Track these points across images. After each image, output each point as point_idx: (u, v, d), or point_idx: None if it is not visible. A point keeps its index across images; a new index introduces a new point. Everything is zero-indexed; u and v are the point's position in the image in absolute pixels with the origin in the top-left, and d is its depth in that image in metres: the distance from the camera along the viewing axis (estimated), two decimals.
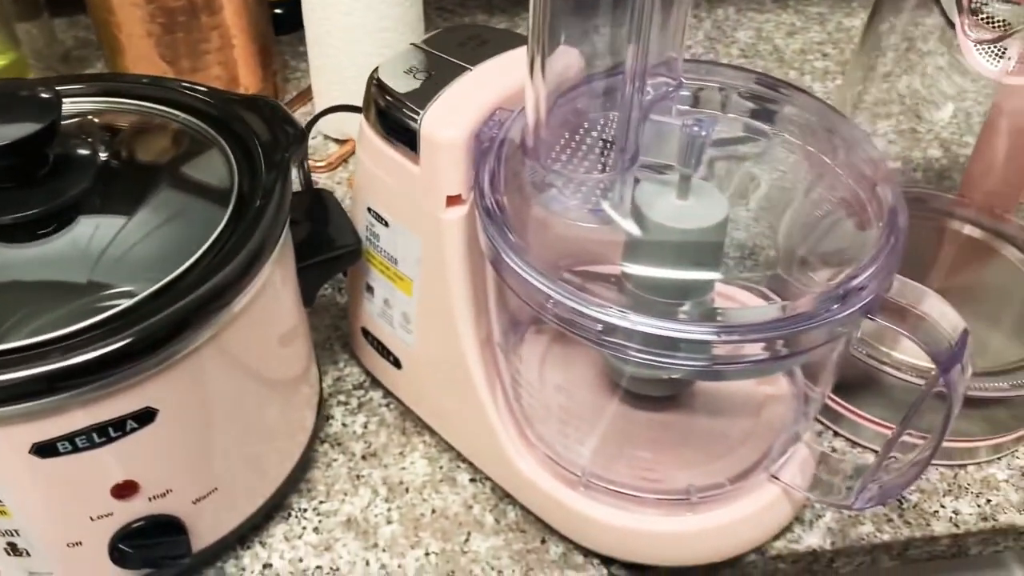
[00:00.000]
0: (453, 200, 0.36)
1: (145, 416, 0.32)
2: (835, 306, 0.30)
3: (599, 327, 0.29)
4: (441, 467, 0.43)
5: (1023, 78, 0.31)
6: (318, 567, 0.39)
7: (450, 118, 0.36)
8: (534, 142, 0.32)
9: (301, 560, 0.40)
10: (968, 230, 0.49)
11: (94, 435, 0.31)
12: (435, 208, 0.36)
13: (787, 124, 0.37)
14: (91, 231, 0.34)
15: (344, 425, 0.45)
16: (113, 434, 0.31)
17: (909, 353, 0.42)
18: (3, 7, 0.62)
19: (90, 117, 0.38)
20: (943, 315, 0.31)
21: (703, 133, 0.32)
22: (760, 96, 0.37)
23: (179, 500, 0.35)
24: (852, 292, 0.30)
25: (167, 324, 0.30)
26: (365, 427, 0.45)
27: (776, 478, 0.38)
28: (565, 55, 0.31)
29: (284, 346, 0.39)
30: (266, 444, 0.39)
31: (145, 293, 0.31)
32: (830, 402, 0.44)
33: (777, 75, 0.71)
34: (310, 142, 0.61)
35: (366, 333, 0.44)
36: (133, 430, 0.32)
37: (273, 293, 0.36)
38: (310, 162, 0.59)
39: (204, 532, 0.37)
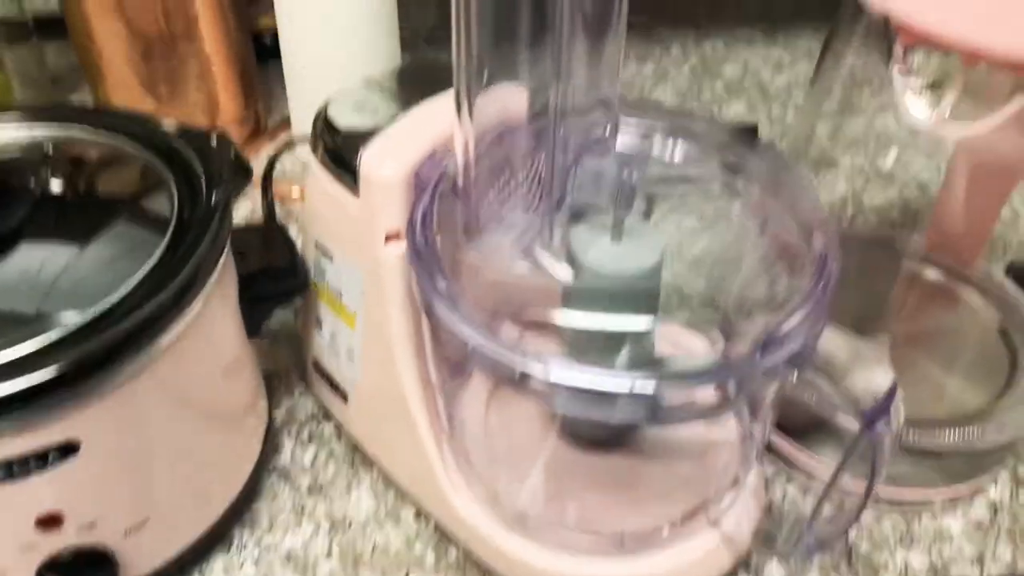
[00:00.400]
0: (392, 237, 0.36)
1: (68, 448, 0.32)
2: (757, 357, 0.29)
3: (516, 375, 0.29)
4: (386, 503, 0.43)
5: (955, 128, 0.31)
6: None
7: (390, 155, 0.36)
8: (464, 183, 0.32)
9: None
10: (931, 274, 0.48)
11: (14, 467, 0.31)
12: (374, 244, 0.36)
13: (730, 168, 0.37)
14: (25, 261, 0.34)
15: (293, 457, 0.45)
16: (34, 466, 0.31)
17: None
18: None
19: (35, 145, 0.39)
20: (872, 367, 0.31)
21: (634, 176, 0.32)
22: (704, 138, 0.37)
23: (108, 531, 0.35)
24: (774, 343, 0.30)
25: (86, 359, 0.30)
26: (314, 459, 0.45)
27: (718, 524, 0.38)
28: (500, 94, 0.31)
29: (225, 378, 0.39)
30: (204, 476, 0.39)
31: (64, 328, 0.31)
32: (786, 445, 0.43)
33: (760, 110, 0.71)
34: (288, 169, 0.61)
35: (316, 365, 0.44)
36: (55, 462, 0.32)
37: (209, 326, 0.36)
38: (285, 190, 0.60)
39: (137, 563, 0.37)
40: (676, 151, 0.37)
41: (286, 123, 0.68)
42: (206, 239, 0.34)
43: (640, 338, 0.36)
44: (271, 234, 0.42)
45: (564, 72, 0.29)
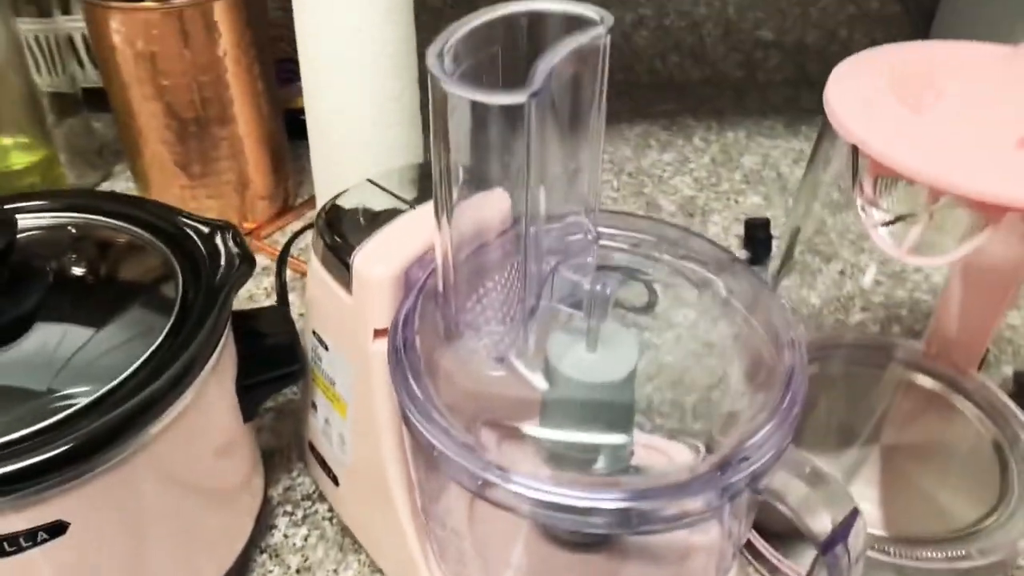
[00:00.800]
0: (381, 333, 0.37)
1: (57, 528, 0.33)
2: (717, 475, 0.30)
3: (478, 483, 0.30)
4: None
5: (923, 258, 0.31)
6: None
7: (383, 255, 0.37)
8: (443, 288, 0.33)
9: None
10: (928, 383, 0.48)
11: (4, 544, 0.32)
12: (364, 340, 0.38)
13: (708, 282, 0.38)
14: (37, 343, 0.36)
15: (286, 536, 0.46)
16: (24, 544, 0.33)
17: None
18: (40, 105, 0.67)
19: (51, 230, 0.41)
20: (833, 491, 0.31)
21: (607, 291, 0.33)
22: (685, 253, 0.38)
23: None
24: (735, 463, 0.30)
25: (77, 446, 0.32)
26: (306, 540, 0.46)
27: None
28: (481, 201, 0.32)
29: (218, 459, 0.40)
30: (194, 554, 0.40)
31: (57, 414, 0.32)
32: (765, 550, 0.43)
33: (776, 203, 0.72)
34: (308, 243, 0.63)
35: (312, 447, 0.46)
36: (44, 541, 0.33)
37: (204, 411, 0.38)
38: (300, 265, 0.62)
39: None
40: (661, 263, 0.38)
41: (310, 200, 0.71)
42: (203, 330, 0.36)
43: (616, 447, 0.36)
44: (276, 317, 0.44)
45: (534, 180, 0.30)
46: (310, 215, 0.69)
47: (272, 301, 0.60)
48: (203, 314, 0.37)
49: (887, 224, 0.31)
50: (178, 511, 0.38)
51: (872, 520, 0.42)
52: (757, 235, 0.66)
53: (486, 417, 0.36)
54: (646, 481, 0.31)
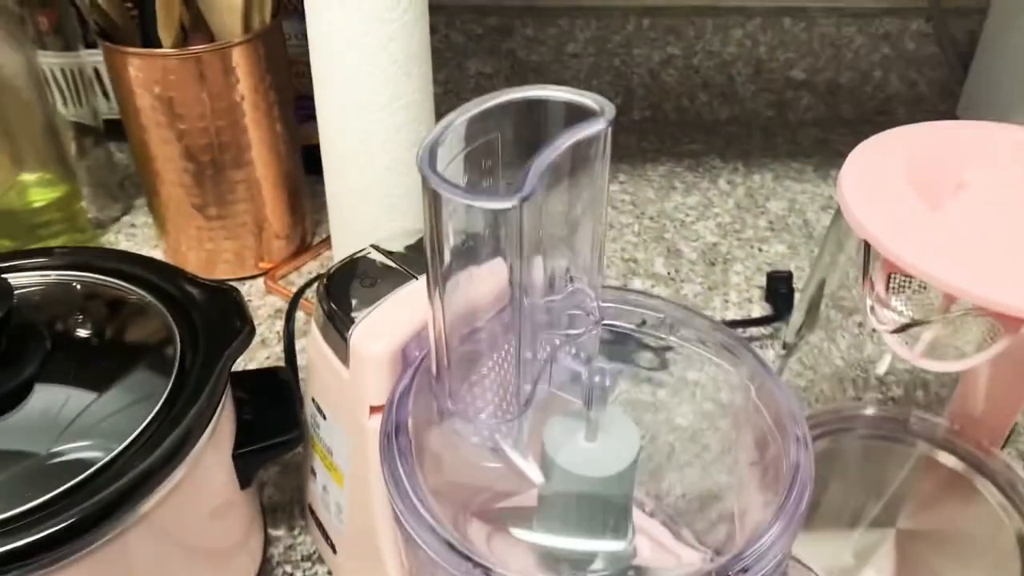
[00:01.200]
0: (376, 409, 0.37)
1: None
2: None
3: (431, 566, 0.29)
4: None
5: (936, 363, 0.30)
6: None
7: (380, 330, 0.37)
8: (437, 371, 0.33)
9: None
10: (950, 461, 0.46)
11: None
12: (360, 415, 0.37)
13: (715, 367, 0.36)
14: (35, 409, 0.36)
15: None
16: None
17: None
18: (63, 139, 0.68)
19: (50, 290, 0.41)
20: None
21: (606, 383, 0.32)
22: (691, 335, 0.37)
23: None
24: (731, 574, 0.29)
25: (66, 528, 0.31)
26: None
27: None
28: (476, 279, 0.31)
29: (212, 525, 0.40)
30: None
31: (46, 496, 0.32)
32: None
33: (802, 252, 0.70)
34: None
35: (311, 510, 0.45)
36: None
37: (197, 482, 0.37)
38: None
39: None
40: (668, 343, 0.37)
41: (327, 240, 0.70)
42: (199, 402, 0.36)
43: (613, 547, 0.35)
44: (277, 381, 0.44)
45: (523, 282, 0.29)
46: (327, 254, 0.69)
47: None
48: (199, 384, 0.37)
49: (900, 330, 0.30)
50: None
51: None
52: (779, 288, 0.64)
53: (478, 505, 0.35)
54: None
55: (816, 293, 0.41)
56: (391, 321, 0.37)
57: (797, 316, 0.43)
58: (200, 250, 0.65)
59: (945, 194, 0.31)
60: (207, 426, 0.37)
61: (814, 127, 0.88)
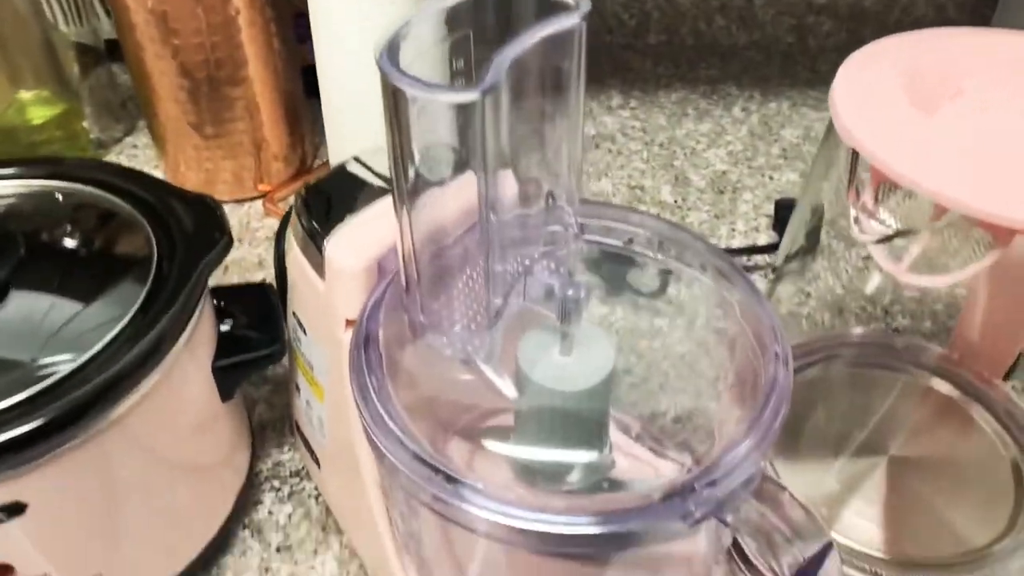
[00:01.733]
0: (351, 323, 0.36)
1: (15, 508, 0.33)
2: (678, 502, 0.28)
3: (415, 489, 0.29)
4: (348, 572, 0.43)
5: (923, 278, 0.28)
6: None
7: (356, 243, 0.36)
8: (407, 284, 0.32)
9: None
10: (948, 390, 0.45)
11: None
12: (336, 328, 0.36)
13: (702, 285, 0.35)
14: (8, 314, 0.36)
15: (270, 513, 0.46)
16: None
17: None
18: (61, 57, 0.67)
19: (28, 197, 0.41)
20: (806, 524, 0.29)
21: (580, 297, 0.31)
22: (678, 253, 0.36)
23: None
24: (700, 488, 0.28)
25: (34, 430, 0.31)
26: (289, 518, 0.46)
27: None
28: (447, 191, 0.30)
29: (193, 438, 0.40)
30: (167, 532, 0.40)
31: (16, 396, 0.32)
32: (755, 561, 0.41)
33: None
34: None
35: (297, 426, 0.45)
36: (2, 520, 0.33)
37: (174, 389, 0.37)
38: None
39: None
40: (655, 261, 0.36)
41: (327, 162, 0.69)
42: (174, 307, 0.36)
43: (592, 457, 0.35)
44: (260, 296, 0.43)
45: (489, 177, 0.28)
46: None
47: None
48: (175, 291, 0.36)
49: (886, 240, 0.28)
50: (151, 488, 0.38)
51: (872, 540, 0.40)
52: (787, 216, 0.62)
53: (459, 426, 0.35)
54: (607, 503, 0.29)
55: (810, 216, 0.40)
56: (367, 234, 0.36)
57: (787, 239, 0.41)
58: (199, 170, 0.65)
59: (940, 101, 0.29)
60: (182, 333, 0.36)
61: (835, 53, 0.84)
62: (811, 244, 0.49)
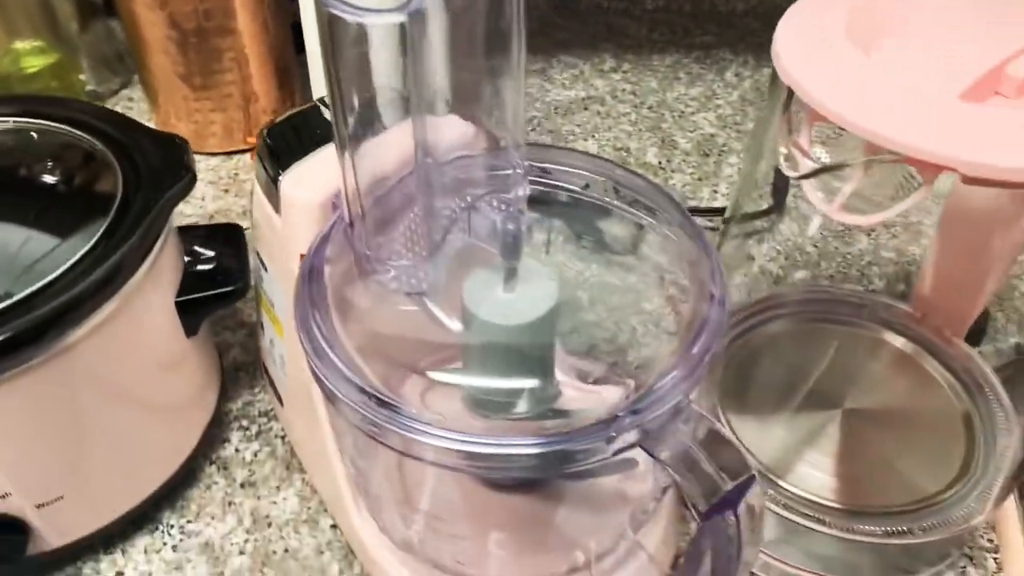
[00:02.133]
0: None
1: None
2: (604, 428, 0.29)
3: (357, 419, 0.30)
4: (309, 508, 0.44)
5: (854, 216, 0.29)
6: None
7: (310, 179, 0.36)
8: (352, 222, 0.32)
9: (151, 575, 0.42)
10: (902, 344, 0.45)
11: None
12: (291, 263, 0.37)
13: (653, 229, 0.36)
14: None
15: (237, 450, 0.47)
16: None
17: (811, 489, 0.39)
18: (56, 8, 0.68)
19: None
20: (730, 456, 0.29)
21: (520, 231, 0.32)
22: (634, 198, 0.36)
23: (20, 504, 0.37)
24: (625, 416, 0.29)
25: None
26: (255, 455, 0.47)
27: None
28: (392, 132, 0.31)
29: (156, 373, 0.41)
30: (128, 461, 0.41)
31: None
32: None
33: None
34: None
35: (264, 367, 0.46)
36: None
37: (134, 320, 0.38)
38: None
39: (52, 536, 0.39)
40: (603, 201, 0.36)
41: None
42: (133, 237, 0.36)
43: (535, 390, 0.35)
44: (228, 235, 0.44)
45: (422, 106, 0.29)
46: None
47: None
48: (136, 223, 0.37)
49: (814, 175, 0.28)
50: (112, 416, 0.39)
51: (825, 489, 0.40)
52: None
53: (412, 364, 0.35)
54: (539, 428, 0.30)
55: (752, 166, 0.40)
56: (323, 171, 0.37)
57: (734, 190, 0.41)
58: (189, 122, 0.66)
59: (880, 41, 0.29)
60: (142, 263, 0.37)
61: None
62: (779, 203, 0.49)
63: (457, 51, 0.30)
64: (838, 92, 0.28)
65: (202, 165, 0.66)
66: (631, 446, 0.29)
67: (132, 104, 0.73)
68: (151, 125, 0.69)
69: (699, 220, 0.35)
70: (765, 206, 0.47)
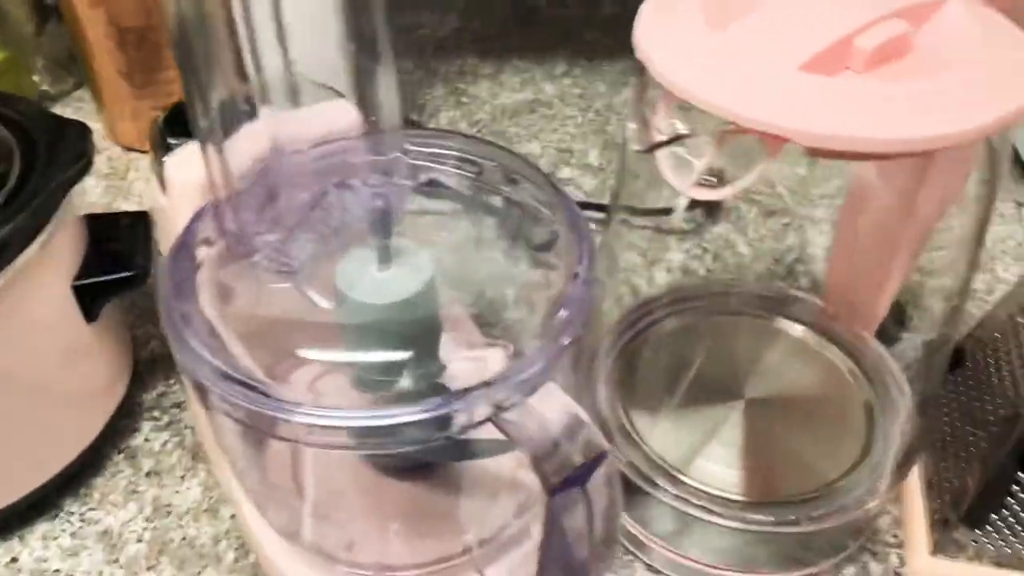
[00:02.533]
0: None
1: None
2: (450, 402, 0.28)
3: (206, 396, 0.29)
4: (211, 497, 0.44)
5: (704, 191, 0.29)
6: (56, 571, 0.41)
7: (191, 161, 0.36)
8: (218, 206, 0.32)
9: (46, 561, 0.41)
10: (809, 336, 0.45)
11: None
12: None
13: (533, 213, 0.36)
14: None
15: (147, 440, 0.47)
16: None
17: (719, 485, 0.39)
18: (4, 8, 0.68)
19: None
20: (584, 435, 0.29)
21: (392, 207, 0.32)
22: (516, 178, 0.36)
23: None
24: (472, 390, 0.29)
25: None
26: (163, 446, 0.46)
27: (481, 574, 0.37)
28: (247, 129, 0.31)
29: (51, 356, 0.41)
30: (21, 445, 0.41)
31: None
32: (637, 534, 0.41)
33: None
34: None
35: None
36: None
37: (25, 301, 0.38)
38: None
39: None
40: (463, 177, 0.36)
41: None
42: (22, 216, 0.36)
43: (415, 365, 0.35)
44: (131, 223, 0.44)
45: (259, 77, 0.29)
46: None
47: None
48: (27, 201, 0.37)
49: (654, 148, 0.28)
50: (4, 400, 0.39)
51: (728, 483, 0.40)
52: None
53: (295, 349, 0.35)
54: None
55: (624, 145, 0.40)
56: None
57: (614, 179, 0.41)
58: (133, 121, 0.66)
59: (736, 17, 0.29)
60: (31, 242, 0.37)
61: None
62: (715, 207, 0.49)
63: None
64: (683, 66, 0.28)
65: (143, 163, 0.66)
66: (482, 422, 0.29)
67: (82, 105, 0.74)
68: (98, 126, 0.69)
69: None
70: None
